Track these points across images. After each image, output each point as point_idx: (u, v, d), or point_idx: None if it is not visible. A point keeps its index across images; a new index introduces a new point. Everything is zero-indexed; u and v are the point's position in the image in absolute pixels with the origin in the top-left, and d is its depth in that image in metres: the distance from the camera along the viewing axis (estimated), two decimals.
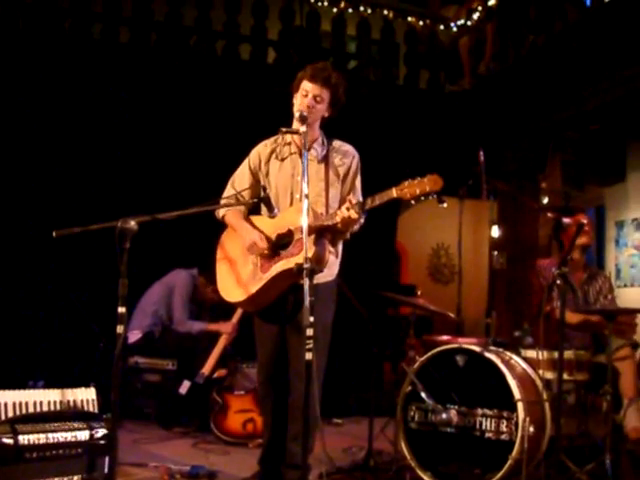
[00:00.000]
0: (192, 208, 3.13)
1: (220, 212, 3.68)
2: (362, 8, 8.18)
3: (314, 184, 3.45)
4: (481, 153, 4.61)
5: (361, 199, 3.56)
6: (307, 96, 3.45)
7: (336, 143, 3.63)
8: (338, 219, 3.26)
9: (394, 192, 3.15)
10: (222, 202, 3.62)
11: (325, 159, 3.55)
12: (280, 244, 3.44)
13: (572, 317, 4.47)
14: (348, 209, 3.24)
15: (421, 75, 8.36)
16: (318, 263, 3.22)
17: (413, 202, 3.16)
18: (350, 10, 8.16)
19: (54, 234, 2.91)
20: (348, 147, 3.65)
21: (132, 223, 2.78)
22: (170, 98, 6.71)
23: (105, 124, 6.50)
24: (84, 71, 6.51)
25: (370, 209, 3.25)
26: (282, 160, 3.59)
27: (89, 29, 7.02)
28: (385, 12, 8.28)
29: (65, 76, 6.44)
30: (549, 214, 5.53)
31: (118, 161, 6.52)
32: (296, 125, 3.46)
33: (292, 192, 3.53)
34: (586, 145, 7.38)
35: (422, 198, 3.12)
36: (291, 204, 3.52)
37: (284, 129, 3.46)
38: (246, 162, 3.70)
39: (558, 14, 6.99)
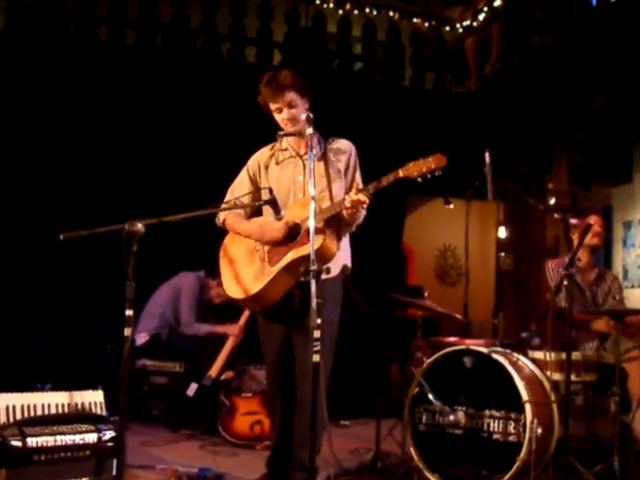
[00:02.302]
0: (199, 211, 3.13)
1: (220, 218, 3.67)
2: (368, 10, 8.18)
3: (317, 181, 3.43)
4: (487, 154, 4.60)
5: None
6: (282, 111, 3.48)
7: (332, 140, 3.64)
8: (348, 204, 3.27)
9: (400, 172, 3.22)
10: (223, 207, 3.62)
11: (323, 156, 3.56)
12: (288, 237, 3.44)
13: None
14: (357, 193, 3.26)
15: (427, 76, 8.36)
16: (326, 253, 3.23)
17: (420, 180, 3.21)
18: (356, 12, 8.16)
19: (61, 237, 2.91)
20: (343, 142, 3.65)
21: (139, 226, 2.78)
22: (176, 101, 6.71)
23: (111, 127, 6.51)
24: (90, 74, 6.52)
25: (378, 191, 3.27)
26: (281, 165, 3.60)
27: (95, 32, 7.04)
28: (391, 14, 8.29)
29: (71, 79, 6.45)
30: (556, 215, 5.51)
31: (124, 164, 6.53)
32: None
33: (295, 194, 3.54)
34: (592, 146, 7.35)
35: (428, 176, 3.18)
36: None
37: (281, 132, 3.48)
38: (244, 170, 3.70)
39: (564, 15, 6.98)
